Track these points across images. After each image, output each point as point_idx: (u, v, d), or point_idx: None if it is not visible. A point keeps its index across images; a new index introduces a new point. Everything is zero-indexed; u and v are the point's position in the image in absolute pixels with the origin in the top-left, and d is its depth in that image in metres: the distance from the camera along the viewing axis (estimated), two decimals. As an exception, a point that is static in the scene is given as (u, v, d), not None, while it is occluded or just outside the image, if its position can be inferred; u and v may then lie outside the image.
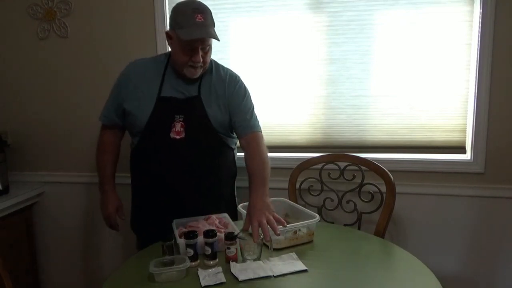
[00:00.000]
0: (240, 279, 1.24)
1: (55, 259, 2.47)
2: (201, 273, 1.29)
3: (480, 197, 1.99)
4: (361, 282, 1.25)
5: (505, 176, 1.95)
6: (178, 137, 1.60)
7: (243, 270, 1.29)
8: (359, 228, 1.88)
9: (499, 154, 1.94)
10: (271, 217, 1.36)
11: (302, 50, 2.08)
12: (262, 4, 2.07)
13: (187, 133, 1.60)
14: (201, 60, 1.54)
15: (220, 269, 1.31)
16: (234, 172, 1.84)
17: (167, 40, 1.60)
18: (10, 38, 2.29)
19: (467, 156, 2.01)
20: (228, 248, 1.34)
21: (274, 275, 1.27)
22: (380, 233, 1.75)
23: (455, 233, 2.04)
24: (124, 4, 2.15)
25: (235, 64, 2.13)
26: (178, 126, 1.60)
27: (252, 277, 1.25)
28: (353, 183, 1.93)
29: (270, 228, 1.34)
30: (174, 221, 1.57)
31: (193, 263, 1.33)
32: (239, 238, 1.36)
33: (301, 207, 1.66)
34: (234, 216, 1.72)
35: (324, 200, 1.98)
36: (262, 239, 1.37)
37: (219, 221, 1.57)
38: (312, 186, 2.01)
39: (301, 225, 1.48)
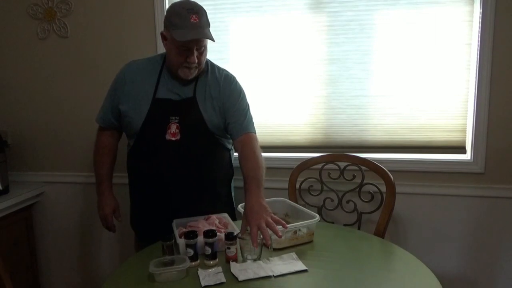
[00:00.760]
0: (240, 279, 1.24)
1: (55, 259, 2.47)
2: (201, 273, 1.29)
3: (480, 197, 1.98)
4: (361, 282, 1.25)
5: (505, 176, 1.95)
6: (173, 138, 1.59)
7: (243, 270, 1.29)
8: (359, 228, 1.88)
9: (499, 154, 1.94)
10: (270, 219, 1.31)
11: (302, 50, 2.08)
12: (262, 4, 2.07)
13: (183, 135, 1.60)
14: (196, 61, 1.54)
15: (220, 269, 1.31)
16: (231, 172, 1.84)
17: (162, 41, 1.59)
18: (10, 38, 2.29)
19: (467, 156, 2.01)
20: (228, 248, 1.34)
21: (274, 275, 1.27)
22: (380, 233, 1.75)
23: (455, 233, 2.04)
24: (124, 4, 2.15)
25: (235, 64, 2.13)
26: (173, 128, 1.59)
27: (252, 277, 1.25)
28: (353, 183, 1.93)
29: (270, 231, 1.29)
30: (174, 221, 1.57)
31: (193, 263, 1.33)
32: (239, 238, 1.36)
33: (301, 207, 1.66)
34: (232, 216, 1.73)
35: (324, 200, 1.98)
36: (262, 239, 1.37)
37: (219, 221, 1.58)
38: (312, 186, 2.01)
39: (301, 225, 1.48)
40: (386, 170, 1.82)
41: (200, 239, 1.36)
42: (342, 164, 1.95)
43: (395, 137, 2.07)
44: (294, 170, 1.97)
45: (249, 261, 1.35)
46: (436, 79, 1.98)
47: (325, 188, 1.98)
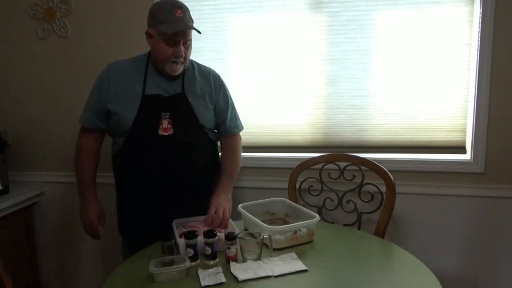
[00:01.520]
0: (240, 279, 1.24)
1: (55, 258, 2.47)
2: (201, 273, 1.29)
3: (480, 197, 1.99)
4: (361, 282, 1.25)
5: (505, 176, 1.95)
6: (166, 133, 1.60)
7: (243, 270, 1.29)
8: (359, 228, 1.88)
9: (499, 154, 1.94)
10: (226, 213, 1.58)
11: (302, 50, 2.08)
12: (262, 4, 2.07)
13: (175, 130, 1.61)
14: (183, 55, 1.57)
15: (220, 269, 1.31)
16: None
17: (147, 40, 1.62)
18: (10, 38, 2.29)
19: (467, 156, 2.01)
20: (228, 248, 1.34)
21: (274, 275, 1.27)
22: (380, 233, 1.75)
23: (455, 233, 2.04)
24: (124, 4, 2.15)
25: (235, 64, 2.14)
26: (165, 123, 1.60)
27: (252, 277, 1.26)
28: (353, 183, 1.93)
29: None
30: (174, 221, 1.57)
31: (193, 263, 1.34)
32: (239, 238, 1.36)
33: (301, 207, 1.66)
34: None
35: (324, 200, 1.98)
36: (262, 239, 1.37)
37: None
38: (312, 186, 2.01)
39: (301, 225, 1.48)
40: (386, 170, 1.82)
41: (200, 239, 1.36)
42: (342, 164, 1.95)
43: (395, 137, 2.07)
44: (294, 170, 1.97)
45: (249, 261, 1.35)
46: (436, 79, 1.98)
47: (325, 188, 1.98)
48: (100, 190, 1.84)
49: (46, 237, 2.45)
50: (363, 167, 1.90)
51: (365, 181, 1.90)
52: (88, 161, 1.73)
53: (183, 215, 1.62)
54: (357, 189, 1.92)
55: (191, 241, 1.34)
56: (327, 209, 1.99)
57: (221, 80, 1.79)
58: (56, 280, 2.49)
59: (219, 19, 2.11)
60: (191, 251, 1.34)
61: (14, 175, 2.35)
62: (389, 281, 1.27)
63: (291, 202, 1.76)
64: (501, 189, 1.96)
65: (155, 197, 1.65)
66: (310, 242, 1.51)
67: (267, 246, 1.41)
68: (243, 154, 1.85)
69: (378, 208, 1.87)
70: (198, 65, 1.77)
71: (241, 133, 1.87)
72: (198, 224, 1.55)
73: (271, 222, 1.68)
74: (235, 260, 1.35)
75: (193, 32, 1.60)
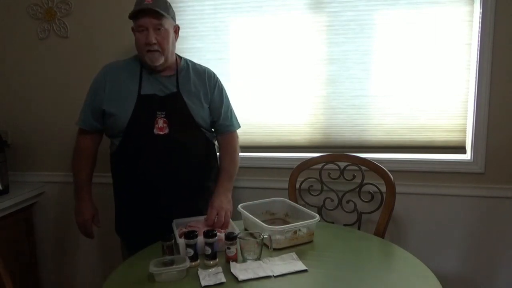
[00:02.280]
0: (240, 279, 1.24)
1: (55, 259, 2.47)
2: (201, 273, 1.29)
3: (480, 197, 1.99)
4: (361, 282, 1.25)
5: (505, 176, 1.95)
6: (161, 133, 1.61)
7: (243, 270, 1.29)
8: (359, 228, 1.88)
9: (499, 154, 1.94)
10: (224, 217, 1.57)
11: (302, 50, 2.08)
12: (262, 4, 2.07)
13: (171, 129, 1.61)
14: (154, 41, 1.57)
15: (220, 269, 1.31)
16: (217, 166, 1.84)
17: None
18: (10, 38, 2.29)
19: (467, 156, 2.01)
20: (228, 248, 1.34)
21: (274, 275, 1.27)
22: (380, 233, 1.75)
23: (455, 233, 2.04)
24: (124, 4, 2.15)
25: (235, 64, 2.13)
26: (160, 122, 1.61)
27: (252, 277, 1.26)
28: (353, 183, 1.93)
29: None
30: (174, 221, 1.57)
31: (193, 263, 1.34)
32: (239, 238, 1.37)
33: (301, 207, 1.66)
34: None
35: (324, 200, 1.98)
36: (262, 239, 1.37)
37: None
38: (312, 186, 2.01)
39: (301, 225, 1.48)
40: (386, 170, 1.82)
41: (200, 239, 1.36)
42: (342, 164, 1.95)
43: (395, 137, 2.07)
44: (294, 170, 1.97)
45: (249, 261, 1.35)
46: (436, 79, 1.98)
47: (325, 188, 1.98)
48: (100, 190, 1.84)
49: (46, 237, 2.45)
50: (363, 167, 1.90)
51: (365, 181, 1.90)
52: (84, 162, 1.75)
53: (180, 214, 1.62)
54: (357, 189, 1.92)
55: (191, 241, 1.34)
56: (327, 209, 1.99)
57: (216, 77, 1.79)
58: (56, 280, 2.49)
59: (219, 19, 2.11)
60: (191, 251, 1.34)
61: (14, 175, 2.35)
62: (389, 281, 1.27)
63: (291, 202, 1.76)
64: (501, 189, 1.96)
65: (151, 197, 1.65)
66: (310, 242, 1.51)
67: (267, 246, 1.41)
68: (243, 154, 1.85)
69: (378, 208, 1.87)
70: (193, 64, 1.77)
71: (241, 133, 1.88)
72: (198, 224, 1.55)
73: (271, 222, 1.68)
74: (235, 260, 1.35)
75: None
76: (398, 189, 1.79)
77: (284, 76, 2.11)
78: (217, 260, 1.36)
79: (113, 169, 1.75)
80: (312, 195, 2.00)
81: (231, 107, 1.82)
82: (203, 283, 1.23)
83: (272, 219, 1.72)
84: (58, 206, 2.41)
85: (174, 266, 1.29)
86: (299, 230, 1.48)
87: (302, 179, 2.00)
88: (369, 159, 1.89)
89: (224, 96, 1.79)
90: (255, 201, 1.72)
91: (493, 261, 2.02)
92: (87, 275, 2.46)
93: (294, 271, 1.29)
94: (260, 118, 2.16)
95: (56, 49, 2.26)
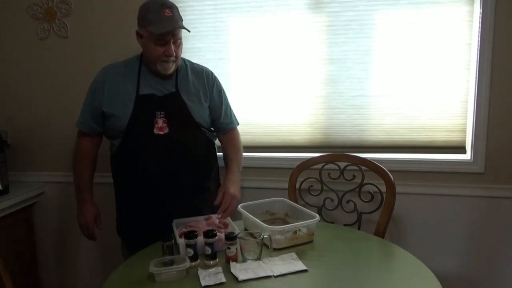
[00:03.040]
0: (240, 279, 1.24)
1: (55, 259, 2.47)
2: (201, 273, 1.29)
3: (480, 197, 1.99)
4: (361, 282, 1.25)
5: (505, 176, 1.95)
6: (161, 132, 1.61)
7: (243, 270, 1.29)
8: (359, 228, 1.88)
9: (499, 154, 1.94)
10: (235, 203, 1.58)
11: (302, 50, 2.08)
12: (262, 4, 2.07)
13: (170, 128, 1.62)
14: (174, 53, 1.58)
15: (220, 269, 1.31)
16: (217, 165, 1.85)
17: (138, 40, 1.64)
18: (10, 38, 2.29)
19: (467, 156, 2.01)
20: (228, 248, 1.34)
21: (274, 275, 1.27)
22: (380, 233, 1.75)
23: (455, 233, 2.04)
24: (123, 4, 2.15)
25: (235, 64, 2.14)
26: (160, 122, 1.61)
27: (252, 277, 1.26)
28: (353, 183, 1.93)
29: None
30: (174, 221, 1.57)
31: (193, 263, 1.34)
32: (239, 238, 1.37)
33: (301, 207, 1.66)
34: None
35: (324, 200, 1.98)
36: (262, 239, 1.37)
37: (219, 221, 1.58)
38: (312, 186, 2.01)
39: (301, 225, 1.48)
40: (386, 170, 1.82)
41: (200, 239, 1.36)
42: (342, 164, 1.95)
43: (395, 137, 2.07)
44: (294, 170, 1.97)
45: (249, 261, 1.35)
46: (436, 79, 1.98)
47: (325, 188, 1.98)
48: (101, 191, 1.84)
49: (46, 237, 2.45)
50: (363, 167, 1.90)
51: (365, 181, 1.90)
52: (84, 164, 1.75)
53: (180, 214, 1.62)
54: (357, 189, 1.92)
55: (191, 241, 1.34)
56: (327, 209, 1.99)
57: (214, 76, 1.80)
58: (56, 280, 2.49)
59: (219, 19, 2.11)
60: (191, 251, 1.34)
61: (14, 175, 2.35)
62: (389, 281, 1.27)
63: (291, 202, 1.76)
64: (501, 189, 1.96)
65: (152, 197, 1.65)
66: (310, 242, 1.51)
67: (267, 246, 1.41)
68: (243, 154, 1.85)
69: (378, 208, 1.87)
70: (191, 63, 1.78)
71: (241, 133, 1.88)
72: (198, 224, 1.55)
73: (271, 222, 1.68)
74: (235, 260, 1.35)
75: (193, 32, 1.60)
76: (398, 189, 1.79)
77: (284, 76, 2.11)
78: (217, 260, 1.36)
79: (113, 170, 1.75)
80: (312, 195, 2.00)
81: (229, 105, 1.84)
82: (203, 283, 1.23)
83: (272, 219, 1.72)
84: (58, 206, 2.41)
85: (174, 266, 1.29)
86: (299, 230, 1.48)
87: (302, 179, 2.00)
88: (369, 159, 1.89)
89: (223, 94, 1.81)
90: (255, 201, 1.72)
91: (493, 261, 2.02)
92: (87, 275, 2.46)
93: (294, 271, 1.29)
94: (260, 118, 2.16)
95: (56, 49, 2.26)
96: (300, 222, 1.49)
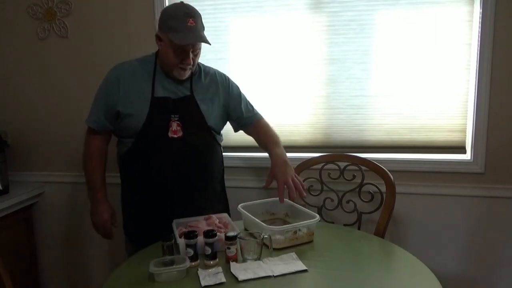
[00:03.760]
0: (240, 279, 1.24)
1: (55, 259, 2.47)
2: (201, 273, 1.29)
3: (480, 197, 1.99)
4: (361, 282, 1.25)
5: (505, 176, 1.95)
6: (175, 136, 1.61)
7: (243, 270, 1.29)
8: (359, 228, 1.88)
9: (499, 154, 1.94)
10: (295, 178, 1.53)
11: (302, 50, 2.08)
12: (262, 4, 2.07)
13: (184, 132, 1.62)
14: (192, 62, 1.58)
15: (220, 269, 1.31)
16: (223, 168, 1.85)
17: (157, 42, 1.61)
18: (10, 38, 2.29)
19: (467, 156, 2.01)
20: (228, 248, 1.34)
21: (274, 275, 1.27)
22: (380, 233, 1.75)
23: (455, 233, 2.04)
24: (123, 4, 2.15)
25: (235, 64, 2.14)
26: (174, 126, 1.61)
27: (252, 277, 1.25)
28: (353, 183, 1.93)
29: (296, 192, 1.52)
30: (174, 221, 1.57)
31: (193, 263, 1.33)
32: (239, 238, 1.36)
33: (301, 207, 1.66)
34: (226, 211, 1.74)
35: (324, 200, 1.98)
36: (262, 239, 1.37)
37: (219, 221, 1.58)
38: (312, 186, 2.01)
39: (301, 225, 1.48)
40: (386, 170, 1.82)
41: (200, 239, 1.36)
42: (342, 164, 1.95)
43: (395, 137, 2.07)
44: (294, 170, 1.97)
45: (249, 261, 1.35)
46: (436, 79, 1.98)
47: (325, 188, 1.98)
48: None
49: (46, 237, 2.45)
50: (363, 167, 1.90)
51: (365, 181, 1.90)
52: (97, 163, 1.74)
53: (187, 215, 1.62)
54: (357, 189, 1.92)
55: (191, 241, 1.34)
56: (327, 209, 1.99)
57: (227, 77, 1.81)
58: (56, 280, 2.49)
59: (219, 19, 2.11)
60: (191, 251, 1.34)
61: (14, 175, 2.35)
62: (389, 281, 1.27)
63: (291, 202, 1.75)
64: (501, 189, 1.96)
65: (163, 198, 1.65)
66: (310, 242, 1.51)
67: (267, 246, 1.41)
68: (243, 154, 1.86)
69: (378, 208, 1.87)
70: (204, 66, 1.77)
71: (241, 133, 1.87)
72: (198, 224, 1.55)
73: (271, 222, 1.68)
74: (235, 260, 1.35)
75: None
76: (398, 189, 1.79)
77: (284, 76, 2.11)
78: (217, 260, 1.36)
79: (122, 169, 1.74)
80: (312, 195, 2.00)
81: (247, 100, 1.84)
82: (203, 283, 1.23)
83: (272, 219, 1.72)
84: (58, 206, 2.41)
85: (174, 266, 1.29)
86: (299, 230, 1.48)
87: (302, 179, 1.99)
88: (369, 159, 1.89)
89: (239, 92, 1.82)
90: (255, 201, 1.72)
91: (493, 261, 2.02)
92: (87, 275, 2.46)
93: (294, 271, 1.29)
94: (260, 118, 2.16)
95: (56, 49, 2.26)
96: (300, 222, 1.49)
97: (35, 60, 2.29)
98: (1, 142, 2.20)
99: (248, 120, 1.81)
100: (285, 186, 1.52)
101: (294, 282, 1.25)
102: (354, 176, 1.94)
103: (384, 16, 1.98)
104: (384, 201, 1.82)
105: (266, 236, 1.39)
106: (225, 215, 1.64)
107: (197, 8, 2.09)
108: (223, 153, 1.86)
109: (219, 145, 1.80)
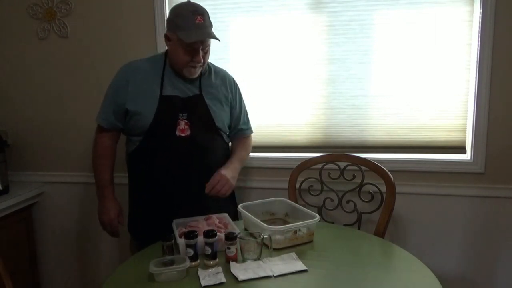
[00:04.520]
0: (240, 279, 1.24)
1: (55, 259, 2.47)
2: (201, 273, 1.29)
3: (480, 197, 1.99)
4: (361, 282, 1.25)
5: (505, 176, 1.95)
6: (183, 134, 1.62)
7: (243, 270, 1.29)
8: (359, 228, 1.88)
9: (499, 154, 1.94)
10: (228, 188, 1.61)
11: (302, 50, 2.08)
12: (262, 4, 2.07)
13: (192, 131, 1.62)
14: (202, 60, 1.59)
15: (220, 269, 1.31)
16: None
17: (166, 42, 1.62)
18: (10, 38, 2.29)
19: (467, 156, 2.01)
20: (228, 248, 1.34)
21: (274, 275, 1.27)
22: (380, 233, 1.75)
23: (455, 233, 2.04)
24: (124, 4, 2.15)
25: (235, 64, 2.14)
26: (182, 124, 1.62)
27: (252, 277, 1.25)
28: (353, 183, 1.93)
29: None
30: (174, 221, 1.57)
31: (193, 263, 1.33)
32: (239, 238, 1.36)
33: (301, 207, 1.66)
34: (235, 214, 1.74)
35: (324, 200, 1.98)
36: (262, 239, 1.37)
37: (219, 221, 1.58)
38: (312, 186, 2.01)
39: (301, 225, 1.48)
40: (386, 170, 1.82)
41: (200, 239, 1.36)
42: (342, 164, 1.95)
43: (395, 137, 2.07)
44: (294, 170, 1.97)
45: (249, 261, 1.35)
46: (436, 79, 1.98)
47: (325, 188, 1.98)
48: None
49: (46, 237, 2.45)
50: (363, 167, 1.90)
51: (365, 181, 1.90)
52: (106, 161, 1.75)
53: (194, 214, 1.62)
54: (357, 189, 1.92)
55: (191, 241, 1.34)
56: (327, 209, 1.99)
57: (236, 83, 1.83)
58: (56, 280, 2.49)
59: (219, 19, 2.11)
60: (191, 251, 1.34)
61: (14, 175, 2.35)
62: (389, 281, 1.27)
63: (291, 202, 1.76)
64: (501, 189, 1.96)
65: (170, 197, 1.66)
66: (310, 242, 1.51)
67: (267, 246, 1.41)
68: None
69: (378, 208, 1.87)
70: (214, 66, 1.79)
71: None
72: (198, 224, 1.55)
73: (271, 222, 1.68)
74: (235, 260, 1.35)
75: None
76: (398, 189, 1.79)
77: (284, 76, 2.11)
78: (217, 260, 1.36)
79: (130, 167, 1.75)
80: (312, 195, 2.00)
81: (247, 112, 1.87)
82: (203, 283, 1.23)
83: (272, 219, 1.72)
84: (58, 206, 2.41)
85: (174, 266, 1.29)
86: (299, 230, 1.48)
87: (302, 179, 2.00)
88: (369, 159, 1.89)
89: (243, 101, 1.84)
90: (255, 201, 1.72)
91: (493, 261, 2.02)
92: (87, 274, 2.46)
93: (294, 271, 1.29)
94: (260, 118, 2.16)
95: (56, 49, 2.26)
96: (300, 222, 1.49)
97: (35, 60, 2.29)
98: (1, 142, 2.20)
99: (240, 132, 1.84)
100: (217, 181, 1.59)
101: (294, 282, 1.25)
102: (354, 176, 1.94)
103: (384, 16, 1.98)
104: (384, 201, 1.82)
105: (266, 236, 1.39)
106: (225, 215, 1.64)
107: (197, 8, 2.10)
108: None
109: (227, 144, 1.81)
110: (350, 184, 1.94)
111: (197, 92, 1.66)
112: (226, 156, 1.79)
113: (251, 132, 1.89)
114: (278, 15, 2.07)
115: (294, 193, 1.96)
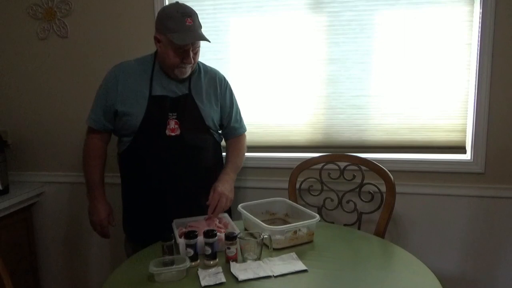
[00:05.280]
0: (240, 279, 1.24)
1: (55, 259, 2.47)
2: (201, 273, 1.29)
3: (480, 197, 1.99)
4: (361, 282, 1.25)
5: (505, 176, 1.95)
6: (173, 134, 1.62)
7: (243, 270, 1.29)
8: (359, 228, 1.88)
9: (499, 154, 1.94)
10: (226, 203, 1.62)
11: (302, 50, 2.08)
12: (262, 4, 2.07)
13: (182, 130, 1.63)
14: (192, 61, 1.59)
15: (220, 269, 1.31)
16: (223, 166, 1.85)
17: (155, 43, 1.62)
18: (10, 38, 2.29)
19: (467, 156, 2.01)
20: (228, 248, 1.34)
21: (274, 275, 1.27)
22: (380, 233, 1.75)
23: (455, 233, 2.04)
24: (124, 4, 2.15)
25: (235, 64, 2.14)
26: (172, 124, 1.62)
27: (252, 277, 1.26)
28: (353, 183, 1.93)
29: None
30: (174, 221, 1.57)
31: (193, 263, 1.34)
32: (239, 238, 1.37)
33: (301, 207, 1.66)
34: (228, 212, 1.73)
35: (324, 200, 1.98)
36: (262, 239, 1.37)
37: (219, 221, 1.58)
38: (312, 186, 2.01)
39: (301, 225, 1.48)
40: (386, 170, 1.82)
41: (200, 239, 1.36)
42: (342, 164, 1.95)
43: (395, 137, 2.07)
44: (294, 170, 1.97)
45: (249, 261, 1.35)
46: (436, 79, 1.98)
47: (325, 188, 1.98)
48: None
49: (46, 237, 2.45)
50: (363, 167, 1.90)
51: (365, 181, 1.90)
52: (96, 162, 1.75)
53: (186, 214, 1.63)
54: (357, 189, 1.92)
55: (191, 241, 1.34)
56: (327, 209, 1.99)
57: (227, 81, 1.82)
58: (56, 280, 2.49)
59: (219, 19, 2.11)
60: (191, 251, 1.34)
61: (14, 175, 2.35)
62: (389, 281, 1.27)
63: (291, 202, 1.76)
64: (501, 189, 1.96)
65: (160, 196, 1.66)
66: (310, 242, 1.51)
67: (267, 246, 1.41)
68: (246, 154, 1.86)
69: (378, 208, 1.87)
70: (204, 66, 1.78)
71: None
72: (198, 224, 1.55)
73: (271, 222, 1.68)
74: (235, 260, 1.35)
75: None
76: (398, 189, 1.79)
77: (284, 76, 2.11)
78: (217, 260, 1.36)
79: (122, 168, 1.75)
80: (312, 195, 2.00)
81: (239, 110, 1.87)
82: (203, 283, 1.23)
83: (272, 219, 1.72)
84: (58, 206, 2.41)
85: (174, 266, 1.29)
86: (299, 230, 1.48)
87: (302, 179, 2.00)
88: (369, 159, 1.89)
89: (234, 99, 1.83)
90: (255, 201, 1.72)
91: (493, 261, 2.02)
92: (87, 274, 2.46)
93: (294, 271, 1.29)
94: (260, 118, 2.16)
95: (56, 49, 2.26)
96: (300, 222, 1.49)
97: (35, 60, 2.29)
98: (1, 142, 2.20)
99: (232, 130, 1.83)
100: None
101: (294, 282, 1.26)
102: (354, 176, 1.94)
103: (384, 16, 1.98)
104: (384, 201, 1.82)
105: (266, 236, 1.39)
106: (225, 215, 1.64)
107: (197, 8, 2.09)
108: (223, 153, 1.87)
109: (219, 143, 1.81)
110: (350, 184, 1.94)
111: (186, 91, 1.67)
112: (218, 154, 1.80)
113: (244, 130, 1.89)
114: (278, 15, 2.07)
115: (294, 193, 1.96)
